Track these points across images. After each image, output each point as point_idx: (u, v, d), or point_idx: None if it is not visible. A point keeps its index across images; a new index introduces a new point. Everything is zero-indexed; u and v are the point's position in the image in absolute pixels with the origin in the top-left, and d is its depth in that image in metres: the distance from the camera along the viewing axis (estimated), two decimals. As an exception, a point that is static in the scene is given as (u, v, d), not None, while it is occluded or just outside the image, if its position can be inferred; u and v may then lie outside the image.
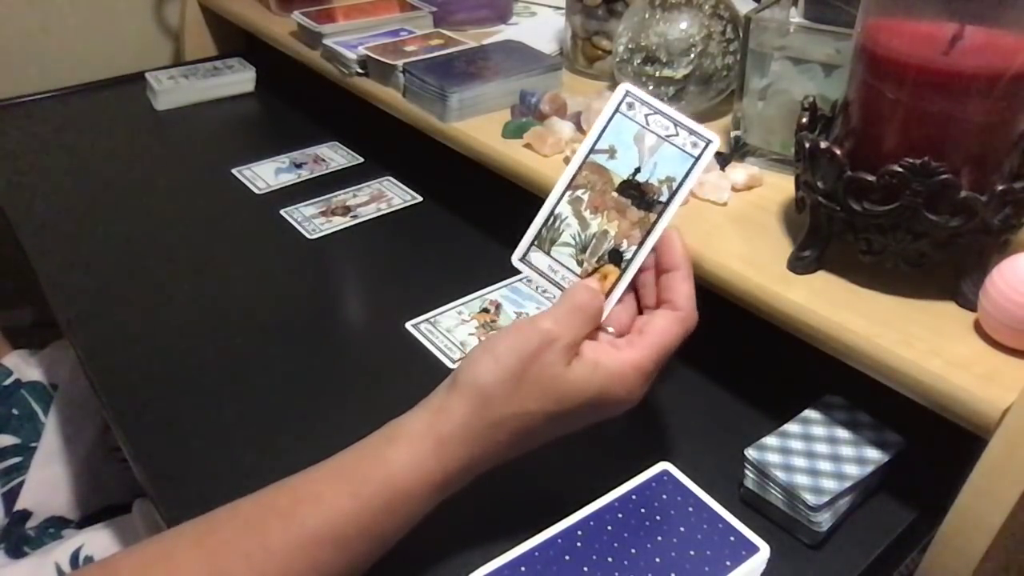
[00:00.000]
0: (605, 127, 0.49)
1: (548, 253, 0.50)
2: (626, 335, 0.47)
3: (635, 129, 0.48)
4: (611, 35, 0.77)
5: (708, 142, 0.47)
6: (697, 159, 0.47)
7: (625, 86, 0.49)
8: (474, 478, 0.44)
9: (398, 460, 0.42)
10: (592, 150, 0.49)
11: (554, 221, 0.49)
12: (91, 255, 0.77)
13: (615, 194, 0.48)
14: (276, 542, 0.40)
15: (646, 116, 0.48)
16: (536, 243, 0.50)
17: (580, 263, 0.49)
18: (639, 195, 0.48)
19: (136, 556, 0.40)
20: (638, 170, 0.48)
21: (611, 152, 0.49)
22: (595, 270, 0.48)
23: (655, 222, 0.47)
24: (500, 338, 0.44)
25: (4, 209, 0.85)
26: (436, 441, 0.42)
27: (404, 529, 0.43)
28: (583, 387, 0.43)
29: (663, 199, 0.47)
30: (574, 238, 0.49)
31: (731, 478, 0.50)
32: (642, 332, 0.45)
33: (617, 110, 0.49)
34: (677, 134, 0.47)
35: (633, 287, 0.48)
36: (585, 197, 0.49)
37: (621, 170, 0.48)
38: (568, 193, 0.49)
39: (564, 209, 0.49)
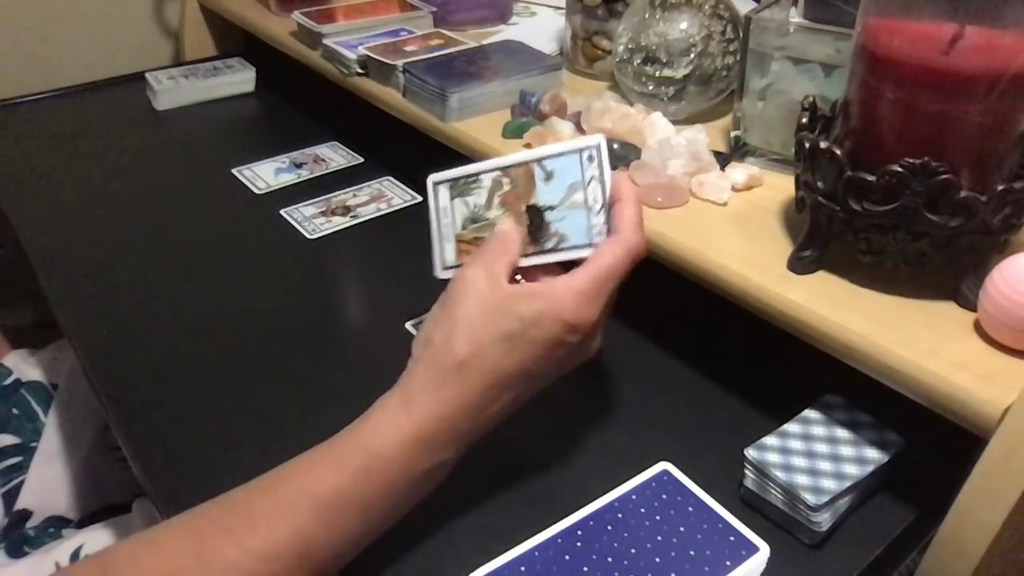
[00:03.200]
0: (562, 155, 0.49)
1: (452, 198, 0.52)
2: None
3: (576, 179, 0.49)
4: (611, 35, 0.77)
5: (591, 246, 0.47)
6: (583, 248, 0.48)
7: (600, 137, 0.49)
8: (461, 442, 0.44)
9: (369, 423, 0.44)
10: (540, 161, 0.50)
11: (474, 181, 0.52)
12: (91, 255, 0.77)
13: (523, 207, 0.50)
14: (257, 514, 0.41)
15: (591, 177, 0.48)
16: (454, 182, 0.53)
17: (464, 227, 0.52)
18: (536, 226, 0.49)
19: (125, 547, 0.42)
20: (551, 208, 0.49)
21: (548, 176, 0.50)
22: (463, 241, 0.52)
23: (530, 254, 0.49)
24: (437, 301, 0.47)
25: (4, 209, 0.85)
26: (401, 396, 0.44)
27: (388, 499, 0.43)
28: (522, 311, 0.44)
29: (547, 246, 0.49)
30: (474, 206, 0.52)
31: (731, 478, 0.50)
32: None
33: (580, 152, 0.49)
34: (598, 213, 0.48)
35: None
36: (506, 188, 0.51)
37: (543, 196, 0.50)
38: (499, 173, 0.51)
39: (486, 179, 0.51)
